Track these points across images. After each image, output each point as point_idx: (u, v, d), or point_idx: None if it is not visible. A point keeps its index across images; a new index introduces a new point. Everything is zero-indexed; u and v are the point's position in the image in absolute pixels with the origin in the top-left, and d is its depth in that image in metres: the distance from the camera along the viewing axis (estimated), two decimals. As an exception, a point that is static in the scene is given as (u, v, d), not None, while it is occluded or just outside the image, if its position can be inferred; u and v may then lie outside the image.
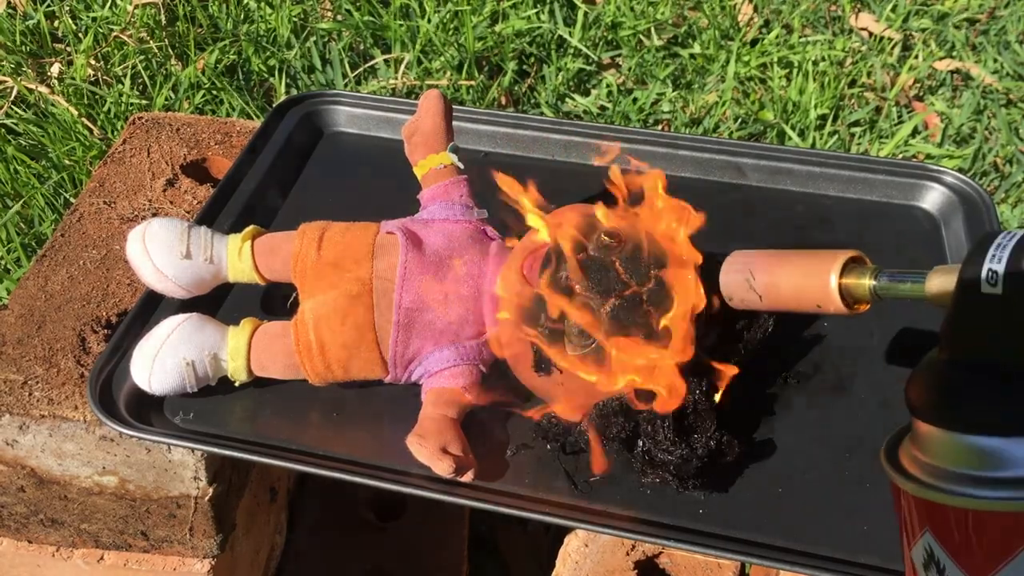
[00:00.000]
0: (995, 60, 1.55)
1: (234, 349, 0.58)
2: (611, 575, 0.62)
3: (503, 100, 1.41)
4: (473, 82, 1.39)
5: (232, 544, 0.69)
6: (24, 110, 1.29)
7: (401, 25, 1.45)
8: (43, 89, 1.30)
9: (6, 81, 1.31)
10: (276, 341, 0.58)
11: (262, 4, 1.49)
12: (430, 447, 0.53)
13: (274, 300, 0.65)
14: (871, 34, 1.59)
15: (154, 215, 0.74)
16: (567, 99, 1.43)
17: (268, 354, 0.58)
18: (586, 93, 1.45)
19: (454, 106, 0.72)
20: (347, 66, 1.40)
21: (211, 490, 0.63)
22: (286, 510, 0.84)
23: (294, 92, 1.34)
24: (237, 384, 0.60)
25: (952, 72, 1.54)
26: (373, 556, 0.84)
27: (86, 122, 1.26)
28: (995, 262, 0.38)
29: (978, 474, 0.37)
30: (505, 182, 0.57)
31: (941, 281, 0.46)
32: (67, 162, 1.20)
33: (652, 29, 1.52)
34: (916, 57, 1.53)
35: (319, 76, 1.40)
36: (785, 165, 0.80)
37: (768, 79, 1.47)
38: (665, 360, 0.51)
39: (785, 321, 0.60)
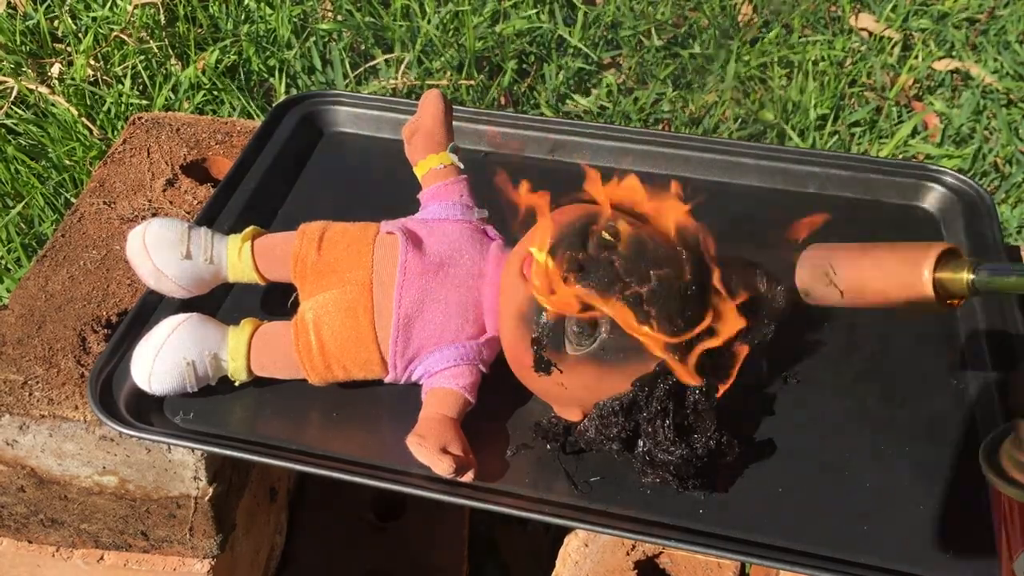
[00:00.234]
0: (995, 60, 1.55)
1: (234, 349, 0.58)
2: (611, 575, 0.62)
3: (503, 100, 1.41)
4: (473, 82, 1.39)
5: (232, 544, 0.69)
6: (24, 110, 1.29)
7: (401, 25, 1.45)
8: (43, 89, 1.30)
9: (6, 81, 1.31)
10: (276, 341, 0.58)
11: (262, 4, 1.49)
12: (430, 447, 0.53)
13: (274, 300, 0.65)
14: (871, 34, 1.59)
15: (154, 215, 0.74)
16: (567, 99, 1.43)
17: (268, 354, 0.58)
18: (586, 93, 1.45)
19: (454, 106, 0.72)
20: (347, 66, 1.41)
21: (211, 490, 0.63)
22: (286, 510, 0.84)
23: (294, 92, 1.34)
24: (237, 384, 0.60)
25: (952, 72, 1.54)
26: (373, 556, 0.84)
27: (86, 122, 1.26)
28: None
29: None
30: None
31: None
32: (67, 162, 1.20)
33: (652, 29, 1.52)
34: (916, 57, 1.53)
35: (319, 76, 1.41)
36: (785, 165, 0.80)
37: (768, 79, 1.47)
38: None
39: (785, 321, 0.60)
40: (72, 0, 1.46)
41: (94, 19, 1.42)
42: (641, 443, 0.55)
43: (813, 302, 0.56)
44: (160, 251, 0.60)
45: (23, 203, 1.15)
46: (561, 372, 0.53)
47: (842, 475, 0.58)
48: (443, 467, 0.52)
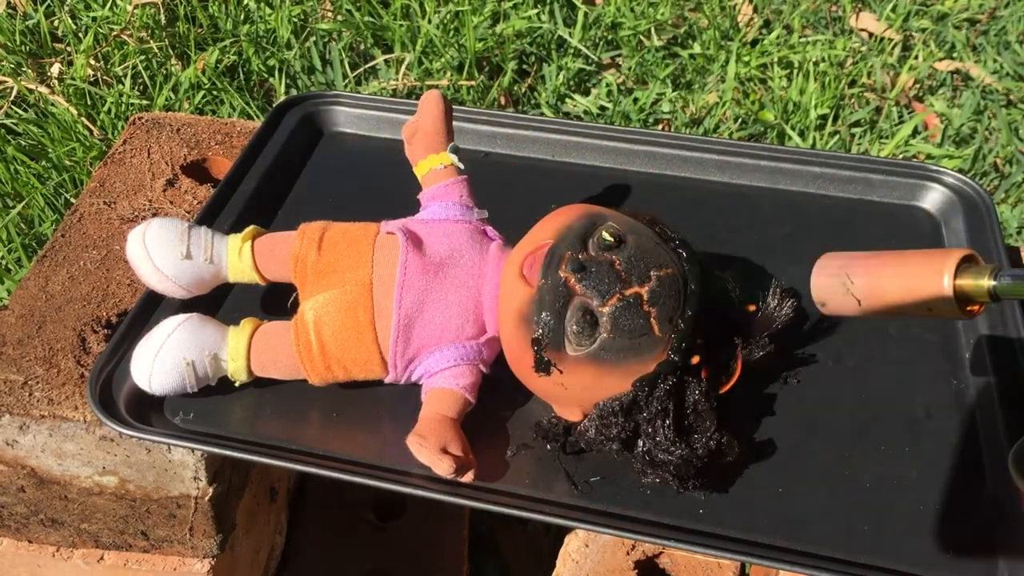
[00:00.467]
0: (995, 60, 1.55)
1: (234, 349, 0.58)
2: (611, 575, 0.62)
3: (503, 100, 1.41)
4: (473, 82, 1.39)
5: (232, 544, 0.69)
6: (24, 110, 1.29)
7: (401, 25, 1.45)
8: (43, 89, 1.30)
9: (6, 81, 1.31)
10: (276, 341, 0.58)
11: (262, 4, 1.49)
12: (430, 447, 0.53)
13: (274, 300, 0.65)
14: (871, 34, 1.59)
15: (154, 215, 0.74)
16: (567, 99, 1.43)
17: (268, 354, 0.58)
18: (586, 93, 1.45)
19: (454, 106, 0.72)
20: (347, 66, 1.41)
21: (211, 490, 0.63)
22: (286, 510, 0.84)
23: (294, 92, 1.34)
24: (237, 384, 0.60)
25: (952, 72, 1.54)
26: (373, 556, 0.84)
27: (86, 122, 1.26)
28: None
29: None
30: None
31: None
32: (67, 162, 1.20)
33: (652, 29, 1.52)
34: (916, 57, 1.53)
35: (319, 76, 1.41)
36: (785, 165, 0.80)
37: (768, 79, 1.47)
38: None
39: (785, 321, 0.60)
40: (72, 0, 1.46)
41: (94, 19, 1.42)
42: (641, 443, 0.55)
43: (829, 312, 0.55)
44: (160, 251, 0.60)
45: (23, 203, 1.15)
46: (561, 372, 0.53)
47: (842, 475, 0.58)
48: (443, 467, 0.52)
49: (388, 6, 1.50)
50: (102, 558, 0.68)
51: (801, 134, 1.38)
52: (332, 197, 0.78)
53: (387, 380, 0.59)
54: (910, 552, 0.54)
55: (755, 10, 1.61)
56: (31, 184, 1.17)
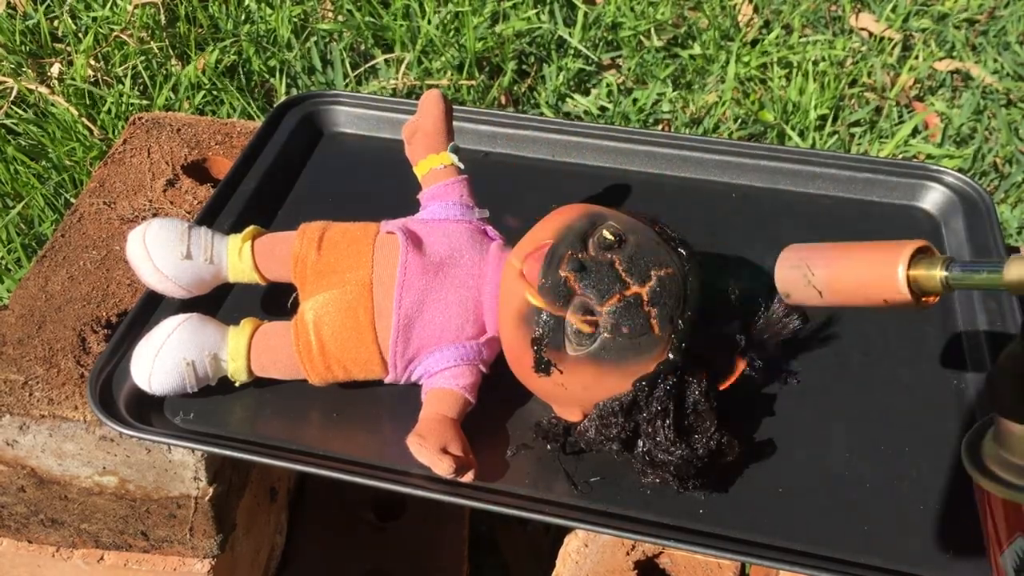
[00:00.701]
0: (995, 60, 1.55)
1: (234, 349, 0.58)
2: (611, 575, 0.62)
3: (503, 100, 1.41)
4: (473, 82, 1.39)
5: (232, 544, 0.69)
6: (24, 110, 1.29)
7: (401, 25, 1.45)
8: (43, 89, 1.30)
9: (6, 81, 1.31)
10: (276, 341, 0.58)
11: (262, 4, 1.49)
12: (430, 447, 0.53)
13: (274, 300, 0.65)
14: (871, 34, 1.59)
15: (154, 215, 0.74)
16: (567, 99, 1.43)
17: (268, 354, 0.58)
18: (586, 93, 1.45)
19: (454, 106, 0.72)
20: (347, 66, 1.41)
21: (211, 490, 0.63)
22: (286, 510, 0.84)
23: (294, 92, 1.34)
24: (237, 384, 0.60)
25: (952, 72, 1.54)
26: (373, 556, 0.84)
27: (86, 122, 1.26)
28: None
29: None
30: None
31: (1021, 270, 0.43)
32: (67, 162, 1.20)
33: (652, 29, 1.52)
34: (916, 57, 1.53)
35: (319, 76, 1.41)
36: (785, 165, 0.80)
37: (768, 79, 1.47)
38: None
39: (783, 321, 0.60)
40: (72, 0, 1.46)
41: (94, 19, 1.42)
42: (641, 443, 0.55)
43: (794, 303, 0.56)
44: (160, 251, 0.60)
45: (23, 203, 1.15)
46: (561, 372, 0.53)
47: (842, 475, 0.58)
48: (443, 467, 0.52)
49: (388, 6, 1.50)
50: (102, 558, 0.68)
51: (801, 134, 1.38)
52: (332, 197, 0.78)
53: (387, 380, 0.59)
54: (910, 552, 0.54)
55: (755, 10, 1.61)
56: (31, 184, 1.17)
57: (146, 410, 0.59)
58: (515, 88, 1.43)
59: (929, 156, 1.38)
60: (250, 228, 0.62)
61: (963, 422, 0.61)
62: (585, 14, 1.51)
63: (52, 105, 1.29)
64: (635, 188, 0.79)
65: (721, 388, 0.56)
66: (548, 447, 0.58)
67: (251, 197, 0.74)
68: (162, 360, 0.57)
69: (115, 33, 1.38)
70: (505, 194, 0.67)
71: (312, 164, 0.81)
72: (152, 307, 0.64)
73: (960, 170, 0.91)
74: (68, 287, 0.68)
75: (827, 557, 0.53)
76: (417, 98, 0.81)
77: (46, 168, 1.20)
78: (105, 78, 1.35)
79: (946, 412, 0.62)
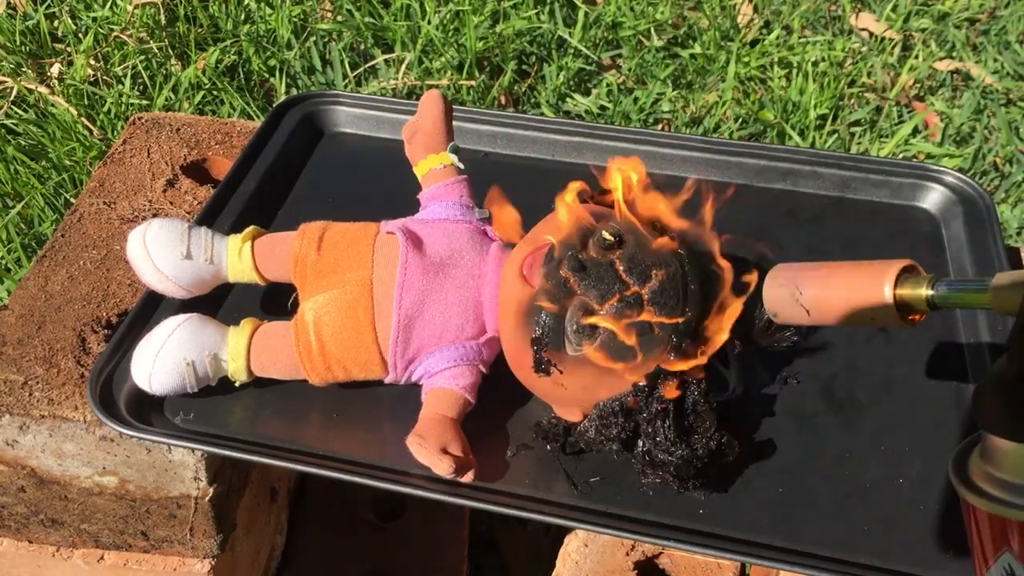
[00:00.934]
0: (995, 60, 1.55)
1: (234, 349, 0.58)
2: (611, 575, 0.62)
3: (503, 100, 1.41)
4: (474, 82, 1.39)
5: (232, 544, 0.69)
6: (24, 110, 1.29)
7: (401, 25, 1.45)
8: (43, 89, 1.30)
9: (6, 81, 1.31)
10: (276, 341, 0.58)
11: (262, 4, 1.49)
12: (430, 447, 0.53)
13: (274, 300, 0.65)
14: (871, 34, 1.59)
15: (154, 215, 0.74)
16: (567, 99, 1.43)
17: (268, 355, 0.58)
18: (586, 93, 1.45)
19: (454, 106, 0.72)
20: (347, 66, 1.41)
21: (211, 490, 0.63)
22: (286, 510, 0.84)
23: (294, 92, 1.34)
24: (237, 384, 0.60)
25: (952, 72, 1.54)
26: (373, 556, 0.84)
27: (86, 122, 1.26)
28: None
29: None
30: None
31: (1006, 290, 0.44)
32: (67, 162, 1.20)
33: (652, 29, 1.52)
34: (916, 57, 1.53)
35: (319, 76, 1.41)
36: (785, 165, 0.80)
37: (768, 79, 1.47)
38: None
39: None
40: (72, 0, 1.46)
41: (94, 19, 1.42)
42: (641, 443, 0.55)
43: (782, 322, 0.56)
44: (160, 251, 0.60)
45: (23, 203, 1.15)
46: (561, 372, 0.53)
47: (842, 475, 0.58)
48: (443, 467, 0.52)
49: (388, 6, 1.50)
50: (102, 558, 0.68)
51: (801, 134, 1.38)
52: (332, 197, 0.78)
53: (387, 380, 0.59)
54: (910, 552, 0.54)
55: (755, 10, 1.61)
56: (31, 184, 1.17)
57: (146, 410, 0.59)
58: (515, 88, 1.43)
59: (929, 156, 1.38)
60: (250, 228, 0.62)
61: (962, 422, 0.61)
62: (585, 14, 1.51)
63: (52, 105, 1.29)
64: (635, 188, 0.79)
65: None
66: (548, 447, 0.58)
67: (251, 197, 0.74)
68: (162, 360, 0.57)
69: (115, 33, 1.38)
70: (505, 194, 0.67)
71: (312, 164, 0.81)
72: (152, 307, 0.64)
73: (960, 170, 0.91)
74: (68, 287, 0.68)
75: (827, 557, 0.53)
76: (417, 98, 0.81)
77: (46, 168, 1.20)
78: (105, 78, 1.35)
79: (946, 412, 0.62)
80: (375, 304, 0.57)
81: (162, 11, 1.41)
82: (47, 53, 1.38)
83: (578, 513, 0.55)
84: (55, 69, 1.35)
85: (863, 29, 1.60)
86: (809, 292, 0.53)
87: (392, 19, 1.46)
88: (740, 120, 1.40)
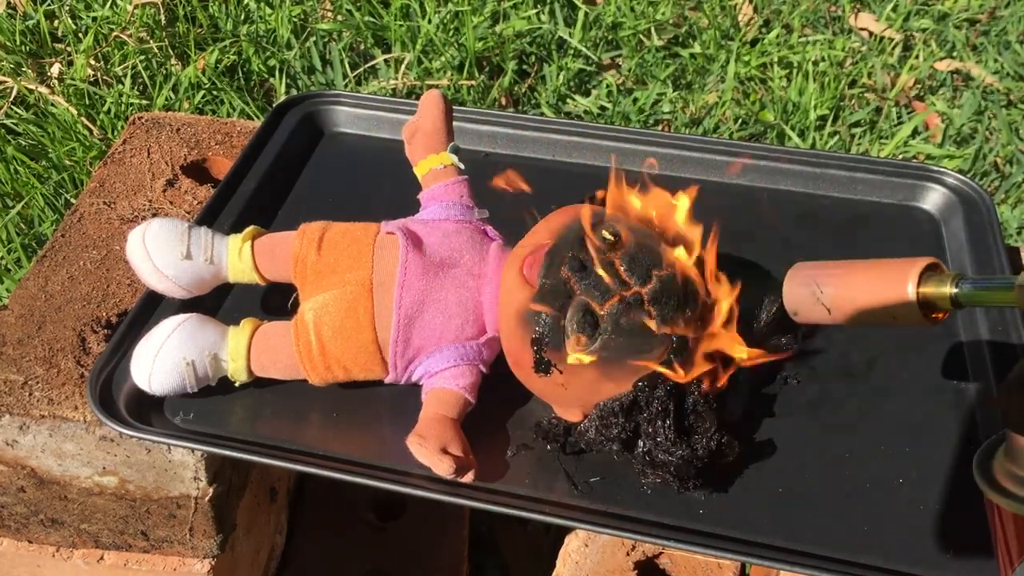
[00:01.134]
0: (995, 60, 1.55)
1: (234, 349, 0.58)
2: (611, 575, 0.62)
3: (503, 100, 1.41)
4: (474, 82, 1.39)
5: (232, 544, 0.69)
6: (24, 110, 1.29)
7: (401, 25, 1.45)
8: (43, 89, 1.30)
9: (6, 81, 1.31)
10: (276, 341, 0.58)
11: (262, 4, 1.49)
12: (430, 447, 0.53)
13: (274, 300, 0.65)
14: (871, 34, 1.59)
15: (154, 215, 0.74)
16: (567, 99, 1.43)
17: (268, 354, 0.58)
18: (586, 93, 1.45)
19: (454, 106, 0.72)
20: (347, 66, 1.41)
21: (211, 490, 0.63)
22: (286, 510, 0.84)
23: (294, 92, 1.34)
24: (237, 384, 0.60)
25: (952, 72, 1.54)
26: (373, 556, 0.84)
27: (86, 122, 1.26)
28: None
29: None
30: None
31: None
32: (67, 162, 1.20)
33: (652, 29, 1.52)
34: (916, 57, 1.53)
35: (319, 76, 1.41)
36: (785, 165, 0.80)
37: (768, 79, 1.47)
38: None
39: (783, 321, 0.60)
40: (72, 0, 1.46)
41: (94, 19, 1.42)
42: (641, 443, 0.55)
43: (802, 321, 0.56)
44: (160, 251, 0.60)
45: (23, 203, 1.15)
46: (561, 372, 0.53)
47: (842, 475, 0.58)
48: (443, 467, 0.52)
49: (388, 6, 1.50)
50: (102, 558, 0.68)
51: (801, 134, 1.38)
52: (332, 197, 0.78)
53: (387, 380, 0.59)
54: (910, 552, 0.54)
55: (755, 10, 1.61)
56: (31, 184, 1.17)
57: (146, 410, 0.59)
58: (515, 88, 1.43)
59: (929, 156, 1.38)
60: (250, 228, 0.62)
61: (963, 423, 0.61)
62: (585, 14, 1.51)
63: (52, 105, 1.29)
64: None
65: (719, 384, 0.56)
66: (548, 447, 0.58)
67: (251, 197, 0.74)
68: (162, 360, 0.57)
69: (115, 33, 1.38)
70: (505, 194, 0.67)
71: (312, 164, 0.81)
72: (152, 307, 0.64)
73: (960, 170, 0.91)
74: (68, 287, 0.68)
75: (827, 557, 0.53)
76: (417, 98, 0.81)
77: (46, 168, 1.20)
78: (105, 78, 1.35)
79: (946, 413, 0.62)
80: (375, 304, 0.57)
81: (162, 11, 1.41)
82: (47, 53, 1.38)
83: (578, 513, 0.55)
84: (55, 69, 1.35)
85: (863, 29, 1.60)
86: (830, 291, 0.53)
87: (392, 19, 1.46)
88: (740, 121, 1.40)
